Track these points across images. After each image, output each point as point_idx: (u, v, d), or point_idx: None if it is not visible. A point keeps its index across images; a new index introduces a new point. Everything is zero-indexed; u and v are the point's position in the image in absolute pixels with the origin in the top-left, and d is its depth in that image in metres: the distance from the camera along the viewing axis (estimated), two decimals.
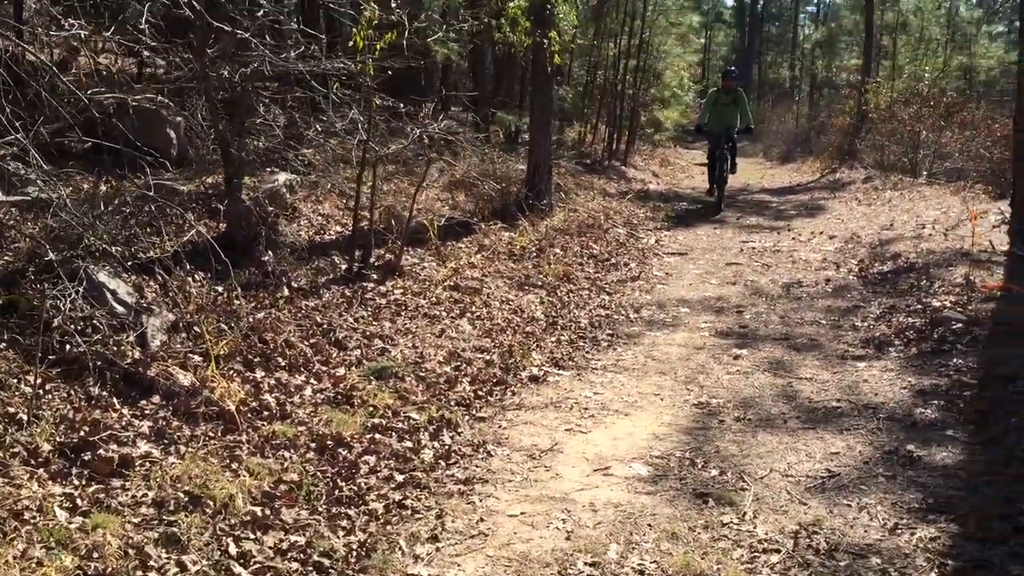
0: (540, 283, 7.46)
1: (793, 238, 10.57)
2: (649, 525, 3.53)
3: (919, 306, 6.60)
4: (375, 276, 6.45)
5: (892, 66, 26.52)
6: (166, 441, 3.78)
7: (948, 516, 3.53)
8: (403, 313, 6.03)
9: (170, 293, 4.80)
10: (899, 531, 3.44)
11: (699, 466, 4.11)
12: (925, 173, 15.17)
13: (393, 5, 5.86)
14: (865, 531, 3.46)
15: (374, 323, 5.72)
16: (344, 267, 6.46)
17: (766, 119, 33.64)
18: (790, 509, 3.66)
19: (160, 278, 4.85)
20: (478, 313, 6.39)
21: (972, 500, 3.64)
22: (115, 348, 4.16)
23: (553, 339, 6.19)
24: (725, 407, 4.90)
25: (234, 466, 3.68)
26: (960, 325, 5.96)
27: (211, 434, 3.93)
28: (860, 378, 5.35)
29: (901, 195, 12.99)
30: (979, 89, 29.97)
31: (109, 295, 4.36)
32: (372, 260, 6.64)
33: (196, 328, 4.61)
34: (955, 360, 5.44)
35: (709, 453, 4.26)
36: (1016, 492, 3.64)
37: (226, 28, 4.93)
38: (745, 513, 3.61)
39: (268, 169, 7.05)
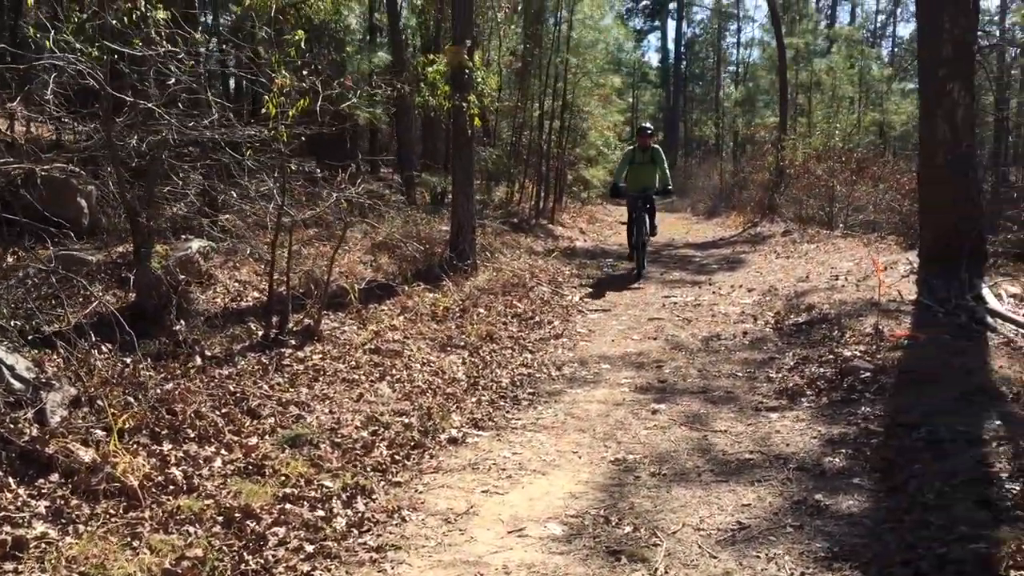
0: (463, 344, 7.46)
1: (714, 292, 10.78)
2: None
3: (831, 356, 6.76)
4: (293, 342, 6.38)
5: (808, 123, 27.56)
6: (64, 521, 3.66)
7: (852, 564, 3.59)
8: (321, 378, 5.97)
9: (73, 367, 4.68)
10: None
11: (613, 523, 4.12)
12: (841, 225, 15.69)
13: (305, 72, 5.90)
14: None
15: (290, 390, 5.64)
16: (261, 333, 6.39)
17: (692, 175, 34.59)
18: (701, 563, 3.69)
19: (63, 351, 4.73)
20: (398, 376, 6.36)
21: (875, 547, 3.71)
22: (11, 426, 4.03)
23: (474, 400, 6.18)
24: (641, 463, 4.94)
25: (135, 544, 3.57)
26: (868, 374, 6.12)
27: (112, 511, 3.81)
28: (773, 429, 5.44)
29: (817, 247, 13.38)
30: (894, 144, 31.30)
31: (6, 371, 4.24)
32: (290, 325, 6.58)
33: (100, 402, 4.50)
34: (863, 408, 5.58)
35: (624, 510, 4.28)
36: (918, 538, 3.72)
37: (127, 99, 4.90)
38: (656, 569, 3.63)
39: (182, 236, 6.99)
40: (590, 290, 11.12)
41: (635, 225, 11.97)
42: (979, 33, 13.48)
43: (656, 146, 12.58)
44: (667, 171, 12.30)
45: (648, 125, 13.80)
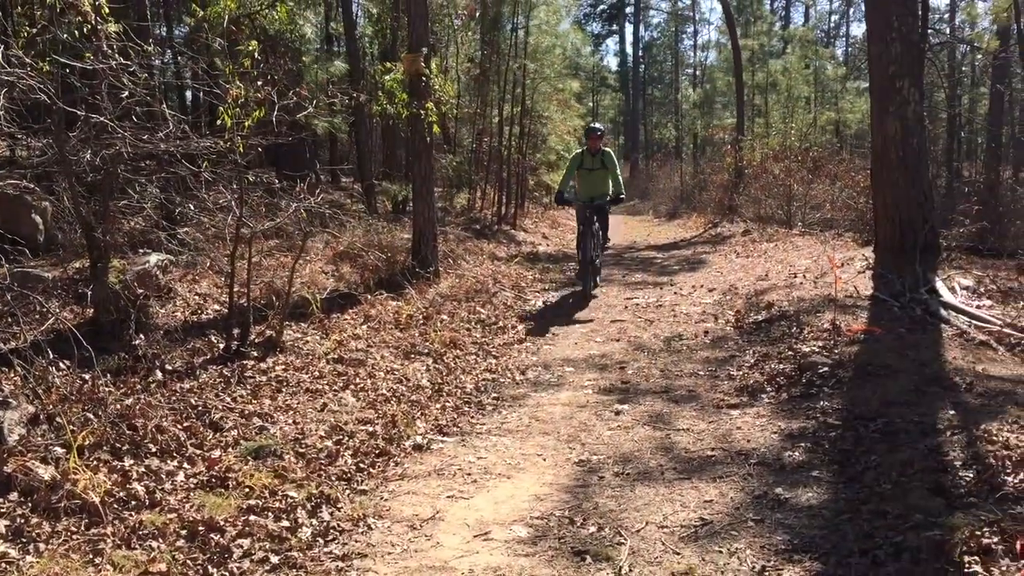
0: (426, 351, 7.47)
1: (675, 293, 10.89)
2: None
3: (790, 352, 6.87)
4: (255, 353, 6.35)
5: (765, 123, 27.93)
6: (24, 539, 3.62)
7: (812, 555, 3.66)
8: (284, 389, 5.95)
9: (31, 384, 4.62)
10: (766, 573, 3.55)
11: (578, 524, 4.15)
12: (799, 224, 15.92)
13: (260, 83, 5.89)
14: None
15: (253, 401, 5.62)
16: (222, 346, 6.35)
17: (653, 178, 34.90)
18: (664, 560, 3.74)
19: (20, 369, 4.67)
20: (362, 385, 6.35)
21: (834, 538, 3.78)
22: None
23: (438, 406, 6.19)
24: (605, 463, 4.98)
25: (97, 560, 3.54)
26: (826, 369, 6.23)
27: (73, 529, 3.78)
28: (734, 426, 5.51)
29: (776, 246, 13.56)
30: (851, 143, 31.79)
31: None
32: (252, 337, 6.54)
33: (59, 419, 4.45)
34: (822, 403, 5.68)
35: (588, 510, 4.31)
36: (874, 527, 3.80)
37: (80, 113, 4.86)
38: (621, 568, 3.67)
39: (140, 251, 6.92)
40: (554, 294, 11.15)
41: (584, 239, 10.49)
42: (929, 31, 13.76)
43: (607, 149, 11.12)
44: (620, 176, 10.92)
45: (598, 126, 11.67)
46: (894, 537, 3.63)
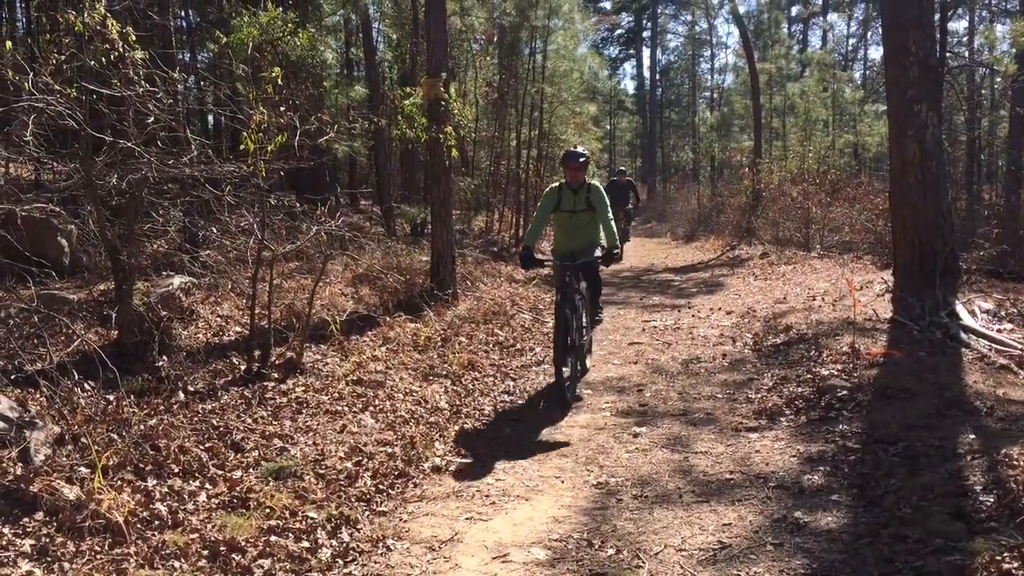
0: (445, 372, 7.50)
1: (693, 315, 10.89)
2: None
3: (808, 376, 6.86)
4: (275, 375, 6.41)
5: (783, 146, 27.90)
6: (49, 559, 3.66)
7: None
8: (304, 411, 6.00)
9: (56, 405, 4.69)
10: None
11: (596, 546, 4.16)
12: (818, 247, 15.89)
13: (283, 108, 5.98)
14: None
15: (273, 423, 5.66)
16: (243, 367, 6.41)
17: (671, 200, 34.90)
18: None
19: (46, 390, 4.74)
20: (381, 406, 6.39)
21: (853, 562, 3.78)
22: None
23: (457, 428, 6.22)
24: (623, 486, 4.99)
25: None
26: (845, 392, 6.21)
27: (97, 548, 3.82)
28: (752, 449, 5.51)
29: (794, 269, 13.54)
30: (869, 165, 31.70)
31: None
32: (272, 359, 6.61)
33: (84, 439, 4.51)
34: (841, 426, 5.66)
35: (606, 533, 4.32)
36: (895, 552, 3.79)
37: (107, 138, 4.96)
38: None
39: (164, 273, 7.02)
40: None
41: (562, 314, 6.88)
42: (948, 55, 13.76)
43: (594, 182, 7.69)
44: (611, 220, 7.40)
45: (581, 151, 7.76)
46: (914, 562, 3.62)
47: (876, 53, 48.25)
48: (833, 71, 32.70)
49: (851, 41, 47.35)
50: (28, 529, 3.84)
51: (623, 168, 10.51)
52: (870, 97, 34.37)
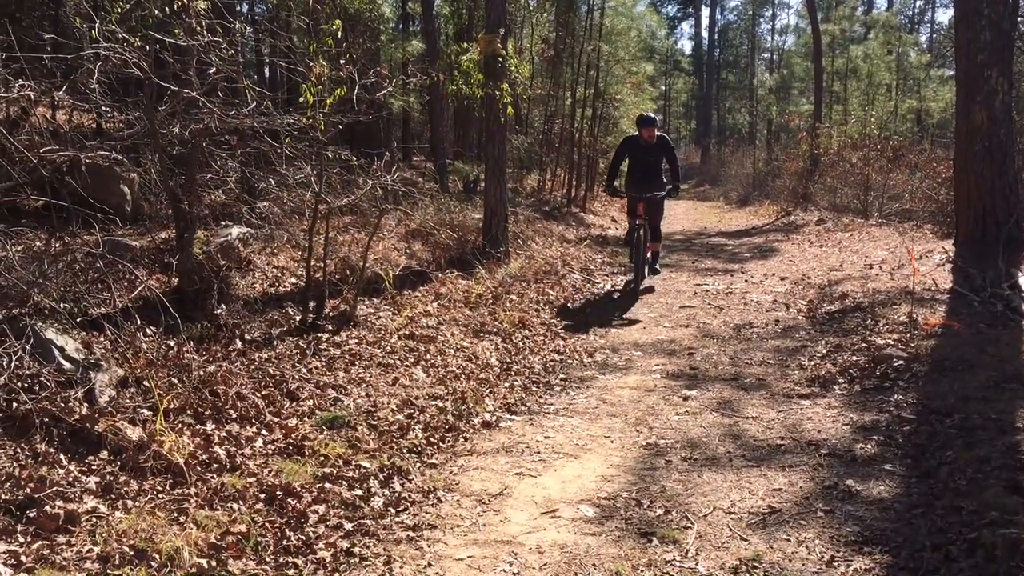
0: (495, 330, 7.54)
1: (746, 280, 10.78)
2: (594, 565, 3.60)
3: (863, 344, 6.76)
4: (329, 327, 6.50)
5: (844, 111, 27.28)
6: (113, 496, 3.79)
7: (883, 548, 3.63)
8: (357, 363, 6.08)
9: (120, 348, 4.82)
10: (835, 564, 3.53)
11: (645, 506, 4.18)
12: (876, 214, 15.57)
13: (342, 62, 5.99)
14: (803, 565, 3.54)
15: (327, 373, 5.76)
16: (298, 318, 6.51)
17: (725, 163, 34.40)
18: (731, 545, 3.75)
19: (110, 333, 4.87)
20: (432, 361, 6.45)
21: (906, 532, 3.75)
22: (62, 404, 4.17)
23: (507, 385, 6.26)
24: (673, 447, 4.99)
25: (181, 519, 3.69)
26: (901, 362, 6.12)
27: (159, 488, 3.94)
28: (804, 416, 5.47)
29: (851, 236, 13.30)
30: (932, 132, 30.89)
31: (56, 352, 4.38)
32: (326, 311, 6.69)
33: (146, 383, 4.63)
34: (896, 396, 5.59)
35: (655, 493, 4.34)
36: (948, 523, 3.75)
37: (171, 87, 5.02)
38: (688, 550, 3.69)
39: (222, 223, 7.13)
40: (622, 277, 11.07)
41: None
42: (1020, 19, 13.29)
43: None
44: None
45: (652, 115, 10.30)
46: (968, 533, 3.58)
47: (944, 16, 46.84)
48: (899, 34, 31.85)
49: (918, 3, 45.97)
50: (93, 467, 3.97)
51: (652, 115, 10.28)
52: (936, 62, 33.43)
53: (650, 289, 10.26)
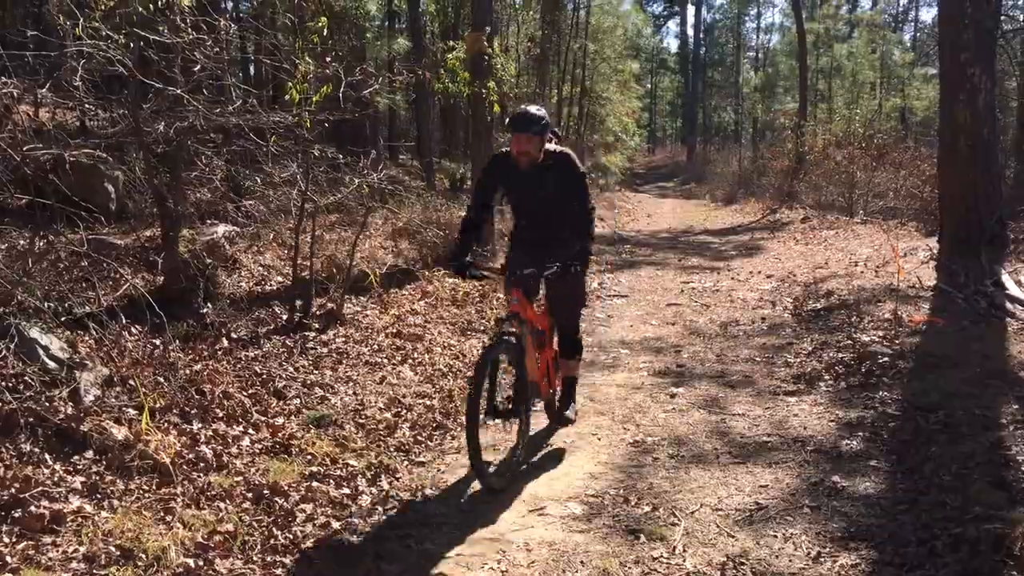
0: (483, 328, 7.54)
1: (732, 278, 10.82)
2: (582, 562, 3.60)
3: (849, 341, 6.80)
4: (316, 325, 6.49)
5: (828, 109, 27.42)
6: (99, 496, 3.77)
7: (868, 543, 3.65)
8: (344, 361, 6.07)
9: (105, 347, 4.79)
10: (821, 559, 3.55)
11: (632, 503, 4.19)
12: (861, 212, 15.64)
13: (328, 59, 5.98)
14: (790, 560, 3.56)
15: (315, 372, 5.75)
16: (285, 317, 6.49)
17: (711, 162, 34.49)
18: (718, 542, 3.76)
19: (95, 333, 4.84)
20: (420, 359, 6.45)
21: (891, 527, 3.77)
22: (47, 404, 4.14)
23: None
24: (660, 444, 5.00)
25: (168, 519, 3.68)
26: (887, 359, 6.16)
27: (145, 487, 3.92)
28: (790, 412, 5.49)
29: (836, 234, 13.37)
30: (916, 130, 31.06)
31: (41, 351, 4.36)
32: (313, 309, 6.68)
33: (131, 382, 4.61)
34: (881, 393, 5.62)
35: (642, 490, 4.35)
36: (933, 518, 3.78)
37: (156, 85, 4.99)
38: (675, 547, 3.70)
39: (208, 221, 7.10)
40: (609, 275, 11.08)
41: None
42: (1002, 18, 13.36)
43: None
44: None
45: (534, 110, 4.61)
46: (953, 528, 3.60)
47: (928, 14, 47.16)
48: (883, 32, 32.03)
49: (902, 2, 46.19)
50: (79, 467, 3.95)
51: (534, 111, 4.53)
52: (920, 60, 33.61)
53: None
